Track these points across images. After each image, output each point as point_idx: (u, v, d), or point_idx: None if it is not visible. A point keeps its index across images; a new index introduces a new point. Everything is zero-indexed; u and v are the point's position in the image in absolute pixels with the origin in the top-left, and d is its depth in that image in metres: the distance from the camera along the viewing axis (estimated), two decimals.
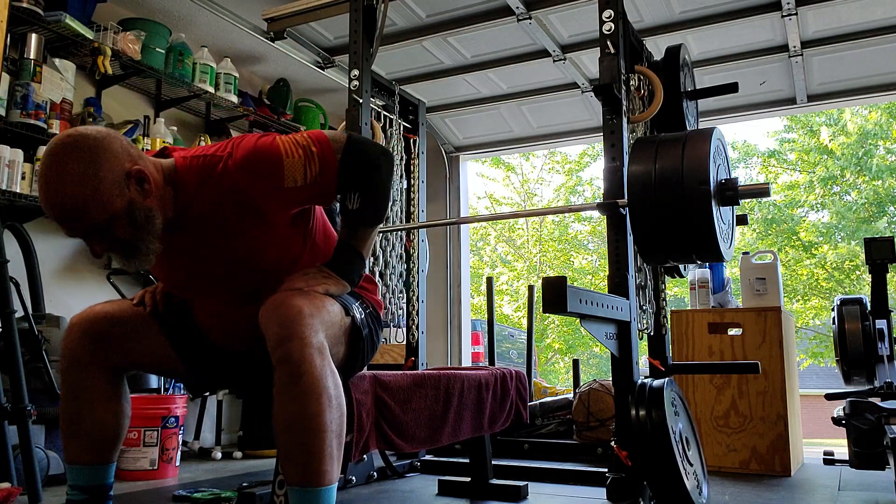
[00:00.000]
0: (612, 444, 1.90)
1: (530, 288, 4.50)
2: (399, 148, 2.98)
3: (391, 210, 2.89)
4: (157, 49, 3.34)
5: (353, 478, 2.56)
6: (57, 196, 1.28)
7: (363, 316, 1.56)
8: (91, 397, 1.50)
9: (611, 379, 2.03)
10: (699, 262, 2.24)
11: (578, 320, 1.74)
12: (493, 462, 2.45)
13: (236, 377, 1.68)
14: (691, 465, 1.94)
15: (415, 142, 3.11)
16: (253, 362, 1.59)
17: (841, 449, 2.65)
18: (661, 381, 1.95)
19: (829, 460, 2.61)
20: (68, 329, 1.52)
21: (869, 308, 2.85)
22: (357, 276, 1.55)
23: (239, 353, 1.62)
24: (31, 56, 2.83)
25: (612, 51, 2.11)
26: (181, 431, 2.92)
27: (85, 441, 1.50)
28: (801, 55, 3.61)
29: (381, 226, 2.77)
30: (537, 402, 3.58)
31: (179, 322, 1.61)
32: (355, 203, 1.51)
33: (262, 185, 1.41)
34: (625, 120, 2.11)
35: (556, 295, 1.57)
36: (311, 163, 1.43)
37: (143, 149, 3.23)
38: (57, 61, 2.99)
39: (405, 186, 3.02)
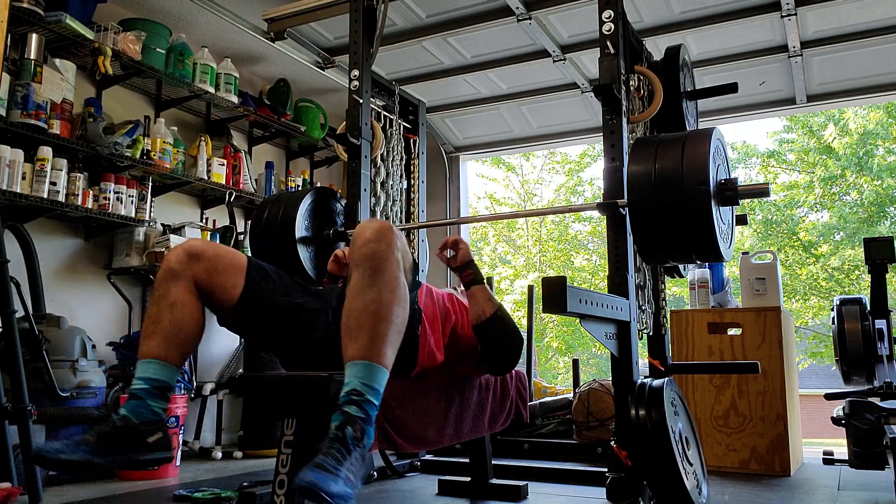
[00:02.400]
0: (612, 443, 1.90)
1: (530, 288, 4.50)
2: (399, 148, 2.98)
3: (391, 210, 2.89)
4: (158, 49, 3.34)
5: None
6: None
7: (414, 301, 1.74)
8: (175, 301, 1.61)
9: (611, 379, 2.03)
10: (699, 262, 2.24)
11: (578, 320, 1.75)
12: (493, 462, 2.45)
13: (282, 332, 1.75)
14: (691, 464, 1.94)
15: (415, 142, 3.11)
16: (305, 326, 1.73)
17: (841, 449, 2.65)
18: (661, 381, 1.95)
19: (829, 460, 2.61)
20: (172, 249, 1.69)
21: (868, 308, 2.85)
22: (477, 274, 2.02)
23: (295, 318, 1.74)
24: (32, 56, 2.84)
25: (612, 51, 2.11)
26: (181, 431, 2.92)
27: (160, 339, 1.59)
28: (801, 55, 3.62)
29: None
30: (537, 401, 3.58)
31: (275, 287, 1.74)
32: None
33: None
34: (625, 120, 2.11)
35: (556, 295, 1.57)
36: None
37: (144, 149, 3.23)
38: (57, 61, 2.99)
39: (405, 186, 3.02)
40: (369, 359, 1.44)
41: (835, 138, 12.28)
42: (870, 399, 2.34)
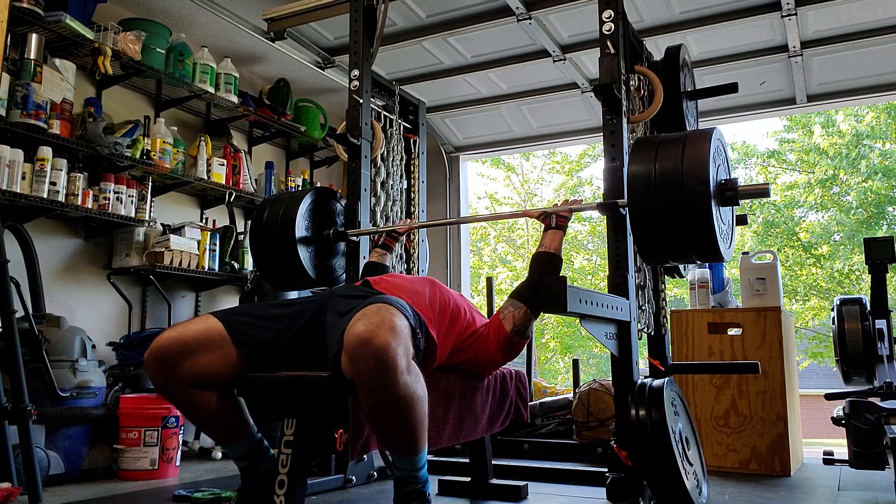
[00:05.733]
0: (612, 444, 1.90)
1: None
2: (399, 148, 2.98)
3: (391, 210, 2.89)
4: (158, 49, 3.34)
5: (353, 478, 2.56)
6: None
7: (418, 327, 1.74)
8: (187, 405, 1.73)
9: (611, 379, 2.03)
10: (699, 263, 2.24)
11: (578, 320, 1.75)
12: (493, 462, 2.45)
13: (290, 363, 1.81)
14: (691, 465, 1.94)
15: (415, 142, 3.11)
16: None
17: (841, 449, 2.65)
18: (661, 381, 1.95)
19: (829, 460, 2.61)
20: (146, 359, 1.70)
21: (868, 308, 2.85)
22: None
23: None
24: (32, 56, 2.83)
25: (612, 51, 2.11)
26: (181, 431, 2.92)
27: (210, 429, 1.81)
28: (801, 55, 3.62)
29: (383, 226, 2.77)
30: (537, 402, 3.58)
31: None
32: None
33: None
34: (625, 120, 2.11)
35: (556, 295, 1.57)
36: None
37: (144, 149, 3.23)
38: (57, 61, 2.99)
39: (405, 186, 3.02)
40: (406, 454, 1.61)
41: (825, 139, 12.26)
42: (870, 399, 2.34)
